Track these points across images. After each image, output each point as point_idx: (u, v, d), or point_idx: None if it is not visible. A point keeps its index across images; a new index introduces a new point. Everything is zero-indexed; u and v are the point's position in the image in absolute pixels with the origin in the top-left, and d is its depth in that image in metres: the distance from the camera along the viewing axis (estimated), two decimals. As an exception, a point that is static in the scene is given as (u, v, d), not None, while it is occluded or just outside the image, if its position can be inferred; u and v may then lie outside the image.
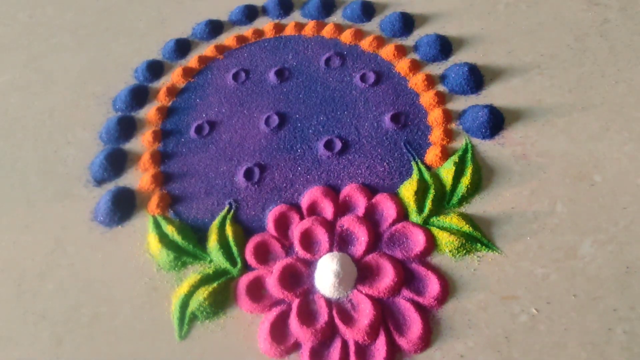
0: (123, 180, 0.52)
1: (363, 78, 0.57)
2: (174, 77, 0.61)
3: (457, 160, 0.48)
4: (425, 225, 0.45)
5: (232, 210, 0.48)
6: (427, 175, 0.48)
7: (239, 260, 0.45)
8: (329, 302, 0.42)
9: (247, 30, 0.65)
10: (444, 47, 0.58)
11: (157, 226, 0.48)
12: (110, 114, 0.58)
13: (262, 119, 0.55)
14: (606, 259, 0.42)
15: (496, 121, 0.51)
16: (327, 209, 0.47)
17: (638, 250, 0.42)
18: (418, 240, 0.44)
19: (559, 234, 0.43)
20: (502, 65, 0.56)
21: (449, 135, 0.51)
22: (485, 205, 0.46)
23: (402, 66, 0.57)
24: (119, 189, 0.51)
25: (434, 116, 0.52)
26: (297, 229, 0.46)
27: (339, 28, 0.63)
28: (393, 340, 0.39)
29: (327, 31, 0.62)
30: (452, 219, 0.45)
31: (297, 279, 0.43)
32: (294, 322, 0.41)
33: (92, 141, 0.56)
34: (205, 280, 0.44)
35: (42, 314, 0.44)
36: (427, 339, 0.39)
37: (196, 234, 0.47)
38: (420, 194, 0.46)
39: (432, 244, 0.44)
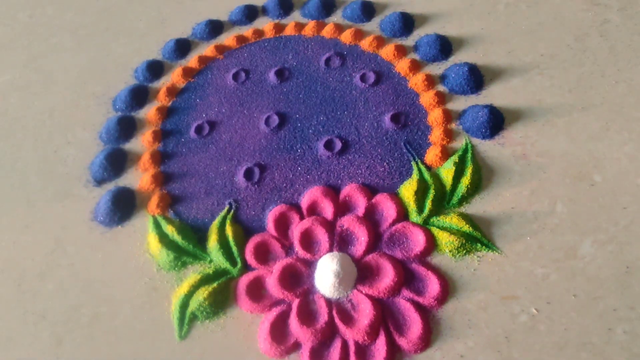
0: (123, 180, 0.52)
1: (363, 78, 0.57)
2: (174, 77, 0.61)
3: (457, 160, 0.48)
4: (425, 225, 0.45)
5: (232, 210, 0.48)
6: (427, 175, 0.48)
7: (239, 260, 0.45)
8: (329, 302, 0.42)
9: (247, 30, 0.65)
10: (444, 47, 0.58)
11: (157, 226, 0.48)
12: (110, 114, 0.58)
13: (262, 119, 0.55)
14: (606, 259, 0.42)
15: (496, 121, 0.51)
16: (327, 209, 0.47)
17: (638, 250, 0.42)
18: (418, 240, 0.44)
19: (559, 234, 0.43)
20: (502, 65, 0.56)
21: (449, 135, 0.51)
22: (485, 205, 0.46)
23: (402, 66, 0.57)
24: (119, 189, 0.51)
25: (434, 116, 0.52)
26: (297, 229, 0.46)
27: (339, 28, 0.63)
28: (393, 340, 0.39)
29: (327, 31, 0.62)
30: (452, 219, 0.45)
31: (297, 279, 0.43)
32: (294, 322, 0.41)
33: (92, 141, 0.56)
34: (205, 280, 0.44)
35: (42, 314, 0.44)
36: (427, 339, 0.39)
37: (196, 234, 0.47)
38: (420, 194, 0.46)
39: (432, 244, 0.44)
